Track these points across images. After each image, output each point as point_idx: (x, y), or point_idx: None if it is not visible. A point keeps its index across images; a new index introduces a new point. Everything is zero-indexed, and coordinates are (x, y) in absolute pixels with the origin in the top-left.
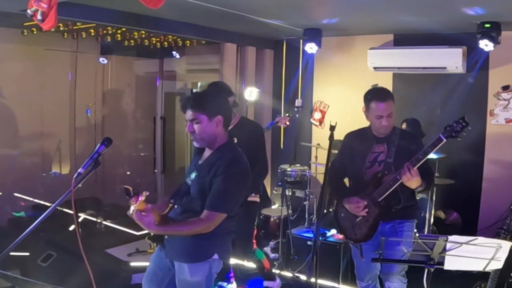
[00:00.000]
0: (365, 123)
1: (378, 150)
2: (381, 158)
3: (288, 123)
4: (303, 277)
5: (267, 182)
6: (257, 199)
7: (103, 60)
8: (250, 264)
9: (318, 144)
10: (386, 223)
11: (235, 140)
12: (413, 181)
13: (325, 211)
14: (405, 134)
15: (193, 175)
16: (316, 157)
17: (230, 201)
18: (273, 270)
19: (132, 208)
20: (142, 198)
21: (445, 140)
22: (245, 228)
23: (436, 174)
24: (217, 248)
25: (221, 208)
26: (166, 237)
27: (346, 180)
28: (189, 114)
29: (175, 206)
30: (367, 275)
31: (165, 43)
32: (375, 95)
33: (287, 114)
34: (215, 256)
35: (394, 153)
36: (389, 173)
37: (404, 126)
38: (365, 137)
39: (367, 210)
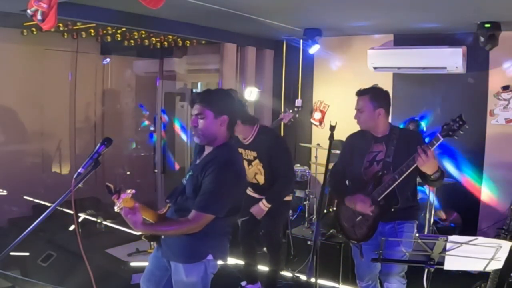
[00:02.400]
0: None
1: (376, 149)
2: (380, 158)
3: (292, 119)
4: (303, 277)
5: None
6: (290, 198)
7: (106, 60)
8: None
9: (318, 144)
10: (386, 223)
11: (256, 155)
12: (429, 164)
13: (325, 211)
14: (404, 133)
15: (188, 174)
16: (316, 157)
17: (218, 202)
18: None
19: (116, 205)
20: (126, 195)
21: (442, 139)
22: (274, 225)
23: None
24: (211, 248)
25: (208, 209)
26: (162, 236)
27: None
28: (196, 108)
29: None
30: (367, 275)
31: (165, 43)
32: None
33: (290, 111)
34: (209, 257)
35: (393, 152)
36: (388, 173)
37: (411, 126)
38: (364, 137)
39: (373, 207)
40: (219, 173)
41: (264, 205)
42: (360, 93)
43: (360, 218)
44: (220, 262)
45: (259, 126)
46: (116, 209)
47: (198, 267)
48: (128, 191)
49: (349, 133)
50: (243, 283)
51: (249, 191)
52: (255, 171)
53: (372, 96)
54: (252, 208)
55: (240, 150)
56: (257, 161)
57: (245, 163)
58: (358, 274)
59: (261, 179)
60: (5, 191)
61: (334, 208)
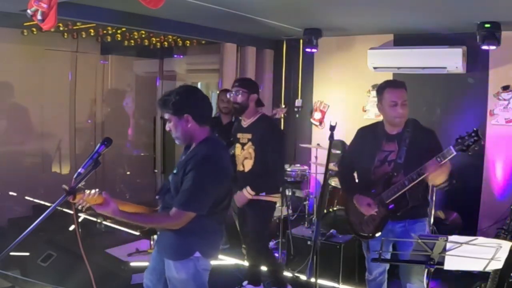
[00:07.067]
0: (364, 123)
1: (388, 149)
2: (391, 158)
3: (285, 114)
4: (303, 277)
5: None
6: (272, 199)
7: (104, 61)
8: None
9: (318, 144)
10: (397, 222)
11: (251, 137)
12: (439, 176)
13: (325, 211)
14: (418, 131)
15: (173, 172)
16: (316, 157)
17: (198, 199)
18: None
19: (78, 205)
20: (87, 196)
21: (455, 153)
22: (255, 229)
23: None
24: (198, 246)
25: (188, 206)
26: (158, 233)
27: (355, 174)
28: (164, 115)
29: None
30: (376, 269)
31: (165, 43)
32: (388, 83)
33: (283, 106)
34: (197, 254)
35: (405, 153)
36: (399, 174)
37: None
38: (376, 133)
39: (376, 210)
40: (198, 170)
41: (248, 193)
42: (401, 85)
43: (367, 216)
44: (215, 262)
45: (262, 114)
46: (80, 208)
47: (187, 264)
48: (87, 191)
49: (349, 133)
50: (245, 283)
51: None
52: (246, 155)
53: (406, 88)
54: (235, 195)
55: (239, 135)
56: (250, 143)
57: (240, 148)
58: (368, 267)
59: (248, 164)
60: None
61: (335, 208)
